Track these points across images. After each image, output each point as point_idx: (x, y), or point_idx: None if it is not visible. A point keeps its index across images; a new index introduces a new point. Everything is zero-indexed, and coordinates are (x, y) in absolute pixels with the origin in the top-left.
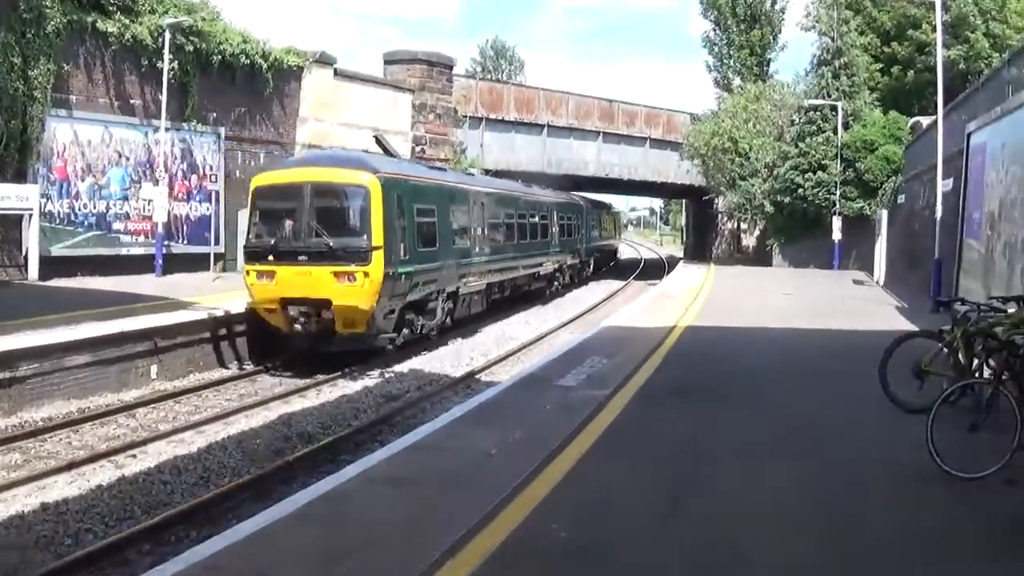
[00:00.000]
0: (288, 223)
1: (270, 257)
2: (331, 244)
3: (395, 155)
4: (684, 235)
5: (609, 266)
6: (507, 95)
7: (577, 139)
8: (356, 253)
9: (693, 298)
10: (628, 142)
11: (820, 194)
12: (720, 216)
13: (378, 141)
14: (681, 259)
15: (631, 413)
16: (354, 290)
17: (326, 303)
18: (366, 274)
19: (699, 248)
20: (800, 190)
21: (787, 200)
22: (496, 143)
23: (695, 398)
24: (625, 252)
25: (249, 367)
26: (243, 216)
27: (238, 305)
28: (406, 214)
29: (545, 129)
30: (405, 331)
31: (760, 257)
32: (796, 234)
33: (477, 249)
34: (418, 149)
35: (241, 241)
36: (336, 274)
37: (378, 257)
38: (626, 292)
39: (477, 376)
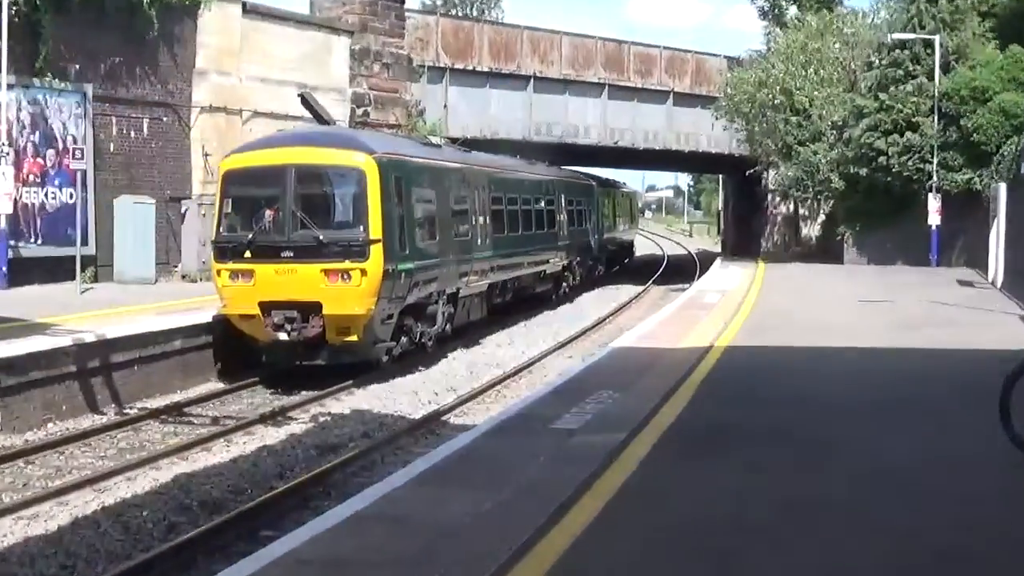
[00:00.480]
0: (267, 213)
1: (246, 254)
2: (321, 237)
3: (329, 121)
4: (721, 223)
5: (623, 264)
6: (479, 37)
7: (575, 95)
8: (351, 248)
9: (735, 308)
10: (644, 98)
11: (910, 163)
12: (771, 197)
13: (305, 102)
14: (718, 255)
15: (651, 469)
16: (349, 291)
17: (314, 307)
18: (363, 272)
19: (742, 240)
20: (882, 158)
21: (863, 172)
22: (465, 102)
23: (740, 447)
24: (642, 246)
25: (133, 411)
26: (120, 205)
27: (120, 326)
28: (405, 201)
29: (531, 82)
30: (403, 340)
31: (827, 251)
32: (876, 219)
33: (479, 242)
34: (359, 112)
35: (186, 241)
36: (327, 272)
37: (376, 252)
38: (644, 300)
39: (457, 410)
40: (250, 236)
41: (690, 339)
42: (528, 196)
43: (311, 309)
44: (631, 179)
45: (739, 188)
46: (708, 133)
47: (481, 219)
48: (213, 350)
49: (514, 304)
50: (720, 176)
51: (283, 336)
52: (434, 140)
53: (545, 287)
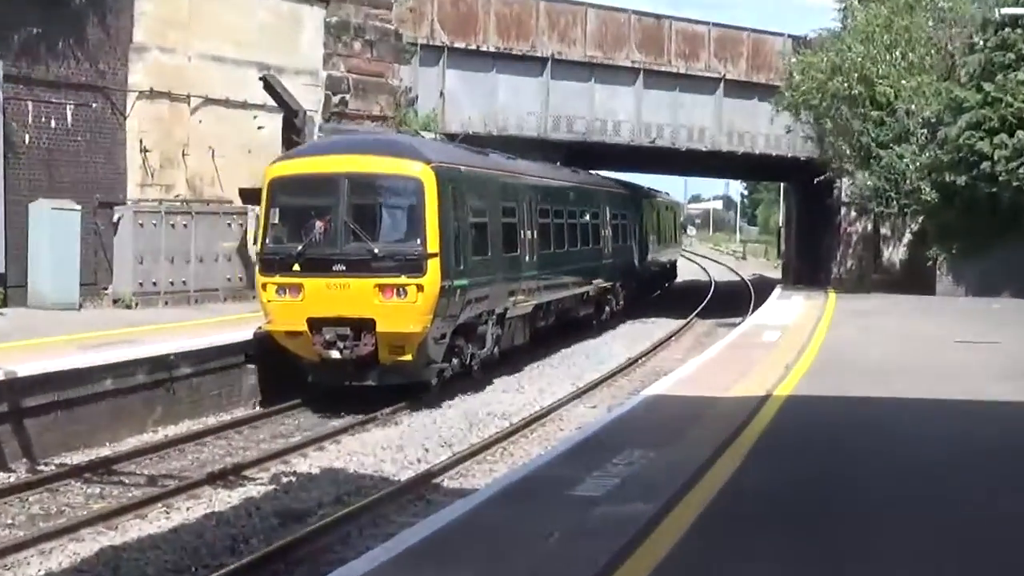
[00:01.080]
0: (318, 224)
1: (295, 267)
2: (376, 250)
3: (298, 111)
4: (781, 243)
5: (663, 289)
6: (484, 9)
7: (602, 82)
8: (407, 262)
9: (799, 349)
10: (688, 86)
11: (1021, 170)
12: (845, 211)
13: (269, 87)
14: (778, 283)
15: (692, 551)
16: (404, 308)
17: (367, 324)
18: (419, 288)
19: (808, 265)
20: (985, 164)
21: (962, 181)
22: (466, 90)
23: (809, 524)
24: (684, 270)
25: (49, 468)
26: (37, 211)
27: (34, 362)
28: (460, 213)
29: (548, 66)
30: (454, 361)
31: (914, 279)
32: (977, 239)
33: (527, 259)
34: (336, 100)
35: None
36: (382, 288)
37: (434, 267)
38: (686, 337)
39: (452, 471)
40: (299, 248)
41: (742, 386)
42: (574, 208)
43: (363, 326)
44: (671, 188)
45: (805, 200)
46: (767, 131)
47: (529, 233)
48: (258, 371)
49: (557, 328)
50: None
51: (335, 354)
52: (427, 136)
53: (587, 311)
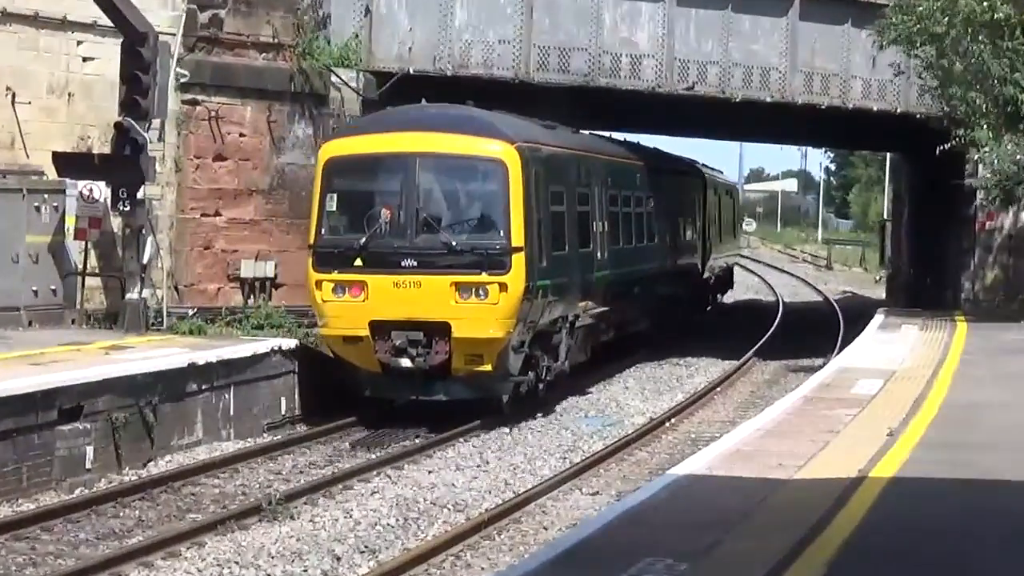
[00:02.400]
0: (384, 213)
1: (357, 262)
2: (452, 243)
3: (143, 31)
4: (886, 244)
5: (715, 302)
6: None
7: None
8: (489, 257)
9: (910, 406)
10: (745, 3)
11: None
12: (983, 198)
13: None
14: (880, 306)
15: None
16: (485, 310)
17: (441, 329)
18: (503, 287)
19: (927, 277)
20: None
21: None
22: (406, 6)
23: None
24: (739, 284)
25: None
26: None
27: None
28: (542, 200)
29: None
30: (530, 374)
31: None
32: None
33: (599, 256)
34: (204, 17)
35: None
36: (459, 286)
37: (518, 263)
38: (741, 385)
39: None
40: (362, 240)
41: (820, 464)
42: (640, 194)
43: (436, 331)
44: (717, 160)
45: (923, 180)
46: (865, 74)
47: (601, 225)
48: (298, 381)
49: (617, 345)
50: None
51: (405, 363)
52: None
53: (646, 324)
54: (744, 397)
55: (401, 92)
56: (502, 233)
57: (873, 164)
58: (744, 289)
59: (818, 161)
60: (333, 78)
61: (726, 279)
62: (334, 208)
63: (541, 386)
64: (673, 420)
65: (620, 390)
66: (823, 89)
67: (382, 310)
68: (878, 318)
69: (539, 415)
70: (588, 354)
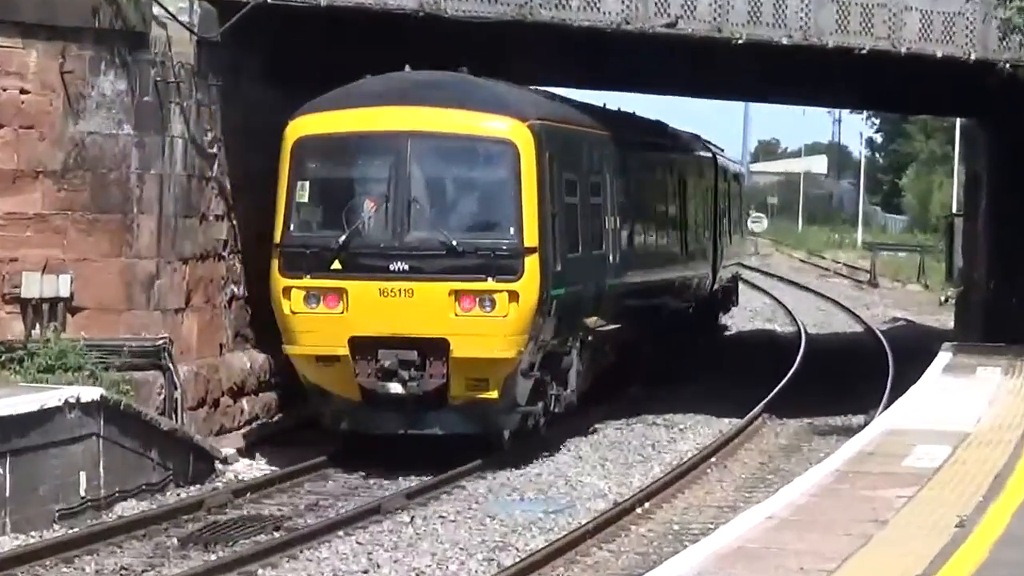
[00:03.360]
0: (367, 205)
1: (335, 265)
2: (452, 242)
3: None
4: (953, 250)
5: (711, 330)
6: None
7: None
8: (497, 259)
9: (991, 484)
10: None
11: None
12: None
13: None
14: (945, 341)
15: None
16: (491, 324)
17: (437, 347)
18: (514, 296)
19: (1011, 297)
20: None
21: None
22: None
23: None
24: (743, 305)
25: None
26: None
27: None
28: (556, 190)
29: None
30: (539, 404)
31: None
32: None
33: (611, 259)
34: None
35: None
36: (460, 295)
37: (532, 267)
38: (746, 454)
39: None
40: (341, 239)
41: (862, 566)
42: (653, 182)
43: (431, 350)
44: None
45: (1008, 157)
46: (924, 2)
47: (613, 221)
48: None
49: (616, 375)
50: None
51: (395, 388)
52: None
53: (648, 348)
54: (751, 471)
55: (255, 30)
56: (513, 230)
57: (937, 135)
58: (750, 315)
59: (857, 131)
60: (155, 9)
61: (730, 294)
62: (305, 199)
63: (542, 421)
64: (647, 504)
65: (571, 460)
66: (864, 26)
67: (365, 324)
68: (943, 357)
69: (453, 491)
70: (589, 381)
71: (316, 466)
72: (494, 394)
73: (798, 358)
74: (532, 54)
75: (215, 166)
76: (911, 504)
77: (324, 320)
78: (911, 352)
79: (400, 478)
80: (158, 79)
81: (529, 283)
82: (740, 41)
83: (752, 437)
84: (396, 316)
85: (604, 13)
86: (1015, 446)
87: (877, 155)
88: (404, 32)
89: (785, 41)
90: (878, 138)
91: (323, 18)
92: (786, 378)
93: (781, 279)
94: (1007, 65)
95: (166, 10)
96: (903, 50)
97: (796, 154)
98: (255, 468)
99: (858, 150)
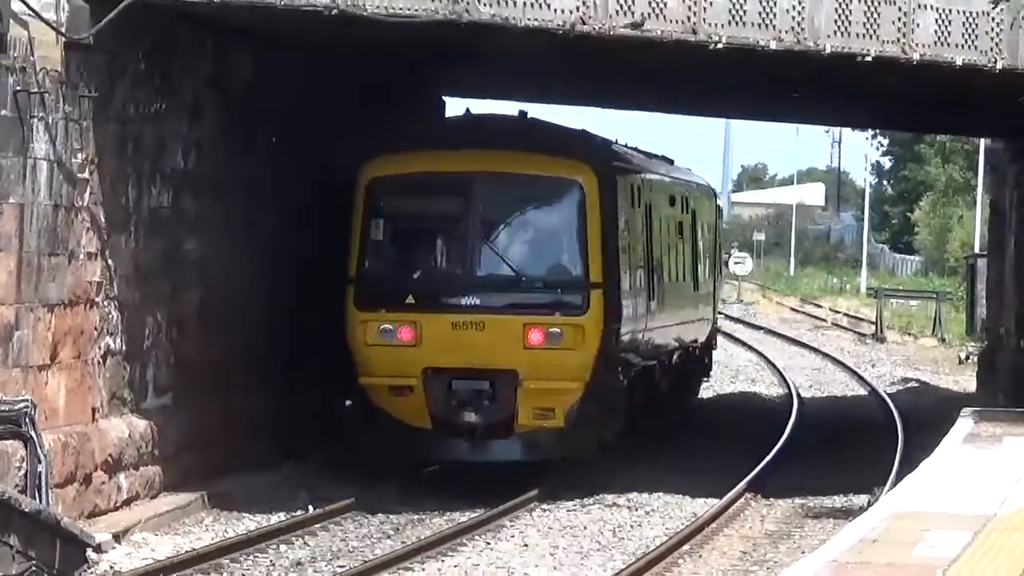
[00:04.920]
0: (440, 243)
1: (408, 299)
2: (522, 279)
3: None
4: (975, 298)
5: (687, 393)
6: None
7: None
8: (564, 294)
9: None
10: None
11: None
12: None
13: None
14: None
15: None
16: (558, 357)
17: (507, 378)
18: (579, 330)
19: None
20: None
21: None
22: None
23: None
24: (723, 362)
25: None
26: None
27: None
28: (615, 229)
29: None
30: (597, 433)
31: None
32: None
33: (652, 295)
34: None
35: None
36: (529, 327)
37: (597, 301)
38: (726, 542)
39: None
40: (416, 274)
41: None
42: (679, 221)
43: (501, 381)
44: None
45: None
46: (941, 1)
47: (656, 258)
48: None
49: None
50: (980, 148)
51: (470, 417)
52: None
53: (673, 383)
54: (731, 562)
55: (135, 31)
56: (579, 267)
57: (955, 158)
58: (731, 375)
59: (861, 154)
60: (14, 4)
61: (702, 355)
62: (380, 236)
63: (600, 444)
64: None
65: (514, 549)
66: (868, 28)
67: (438, 356)
68: (963, 425)
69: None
70: (622, 420)
71: (208, 554)
72: (558, 422)
73: (788, 426)
74: (464, 61)
75: (87, 194)
76: None
77: (398, 352)
78: (924, 420)
79: (310, 568)
80: (17, 89)
81: (594, 317)
82: (719, 45)
83: (733, 521)
84: (468, 348)
85: (555, 11)
86: None
87: (884, 183)
88: (297, 34)
89: (773, 45)
90: (886, 163)
91: (213, 16)
92: (774, 450)
93: (769, 331)
94: None
95: (27, 5)
96: (915, 56)
97: (787, 182)
98: (135, 557)
99: (862, 177)
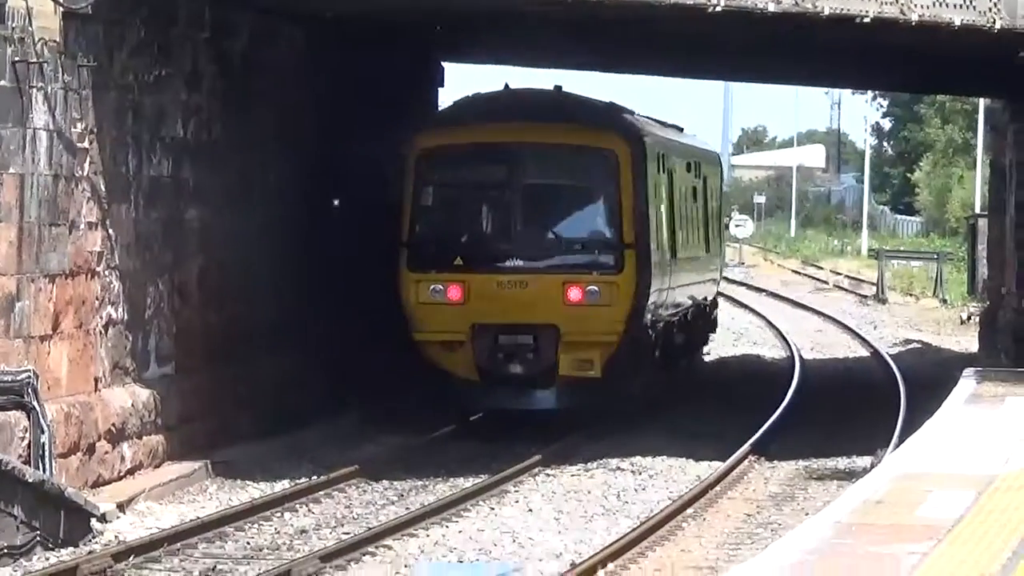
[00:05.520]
0: (485, 209)
1: (457, 261)
2: (562, 241)
3: None
4: (976, 258)
5: (692, 357)
6: None
7: None
8: (601, 254)
9: (1016, 538)
10: None
11: None
12: None
13: None
14: (968, 366)
15: None
16: (595, 312)
17: (549, 332)
18: (615, 286)
19: None
20: None
21: None
22: None
23: None
24: (725, 324)
25: None
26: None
27: None
28: (645, 195)
29: None
30: (633, 382)
31: None
32: None
33: (669, 256)
34: None
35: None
36: (568, 285)
37: (631, 260)
38: (729, 504)
39: None
40: (463, 238)
41: None
42: (693, 186)
43: (543, 335)
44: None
45: None
46: None
47: (677, 221)
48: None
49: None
50: (979, 108)
51: (515, 369)
52: None
53: (683, 339)
54: (735, 524)
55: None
56: (614, 230)
57: (956, 119)
58: (733, 337)
59: (861, 116)
60: None
61: (704, 323)
62: (430, 202)
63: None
64: (611, 566)
65: (519, 514)
66: None
67: (485, 313)
68: (966, 385)
69: (372, 556)
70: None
71: (213, 523)
72: (595, 372)
73: (791, 389)
74: (471, 30)
75: (86, 164)
76: (926, 562)
77: (447, 310)
78: (927, 380)
79: (314, 536)
80: (16, 59)
81: (628, 276)
82: (718, 8)
83: (736, 484)
84: (512, 306)
85: None
86: None
87: (885, 145)
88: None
89: (772, 8)
90: (886, 124)
91: None
92: (776, 413)
93: (770, 294)
94: None
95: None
96: (914, 17)
97: (787, 144)
98: (139, 526)
99: (862, 139)
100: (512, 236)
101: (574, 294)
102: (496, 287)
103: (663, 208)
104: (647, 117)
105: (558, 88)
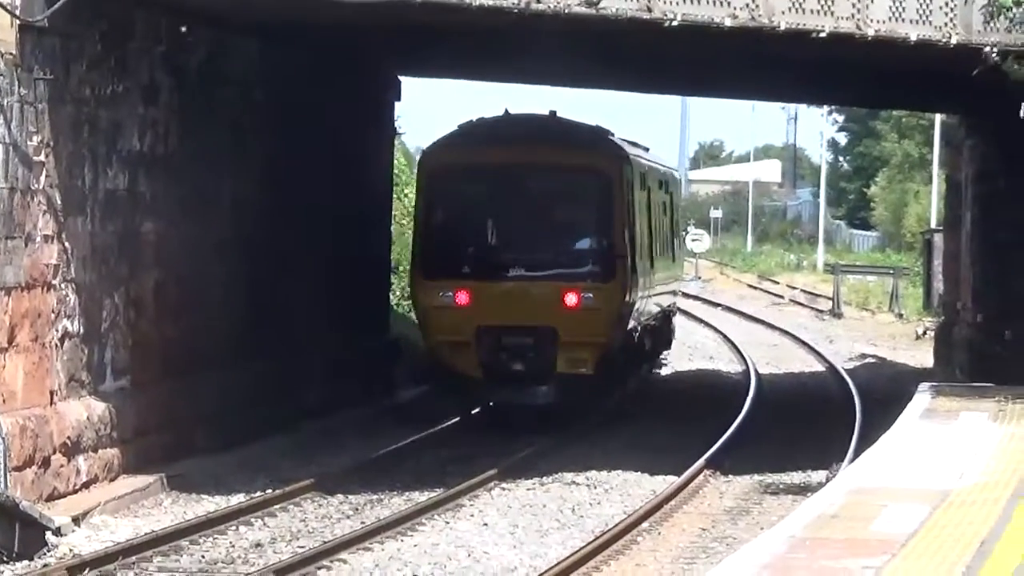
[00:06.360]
0: (491, 223)
1: (465, 270)
2: (559, 252)
3: None
4: (932, 273)
5: (646, 373)
6: None
7: None
8: (594, 264)
9: (969, 552)
10: None
11: None
12: None
13: None
14: (923, 381)
15: None
16: (589, 315)
17: (547, 333)
18: (607, 292)
19: (1003, 329)
20: None
21: None
22: None
23: None
24: (682, 339)
25: None
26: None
27: None
28: (632, 211)
29: None
30: (621, 380)
31: None
32: None
33: (651, 267)
34: None
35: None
36: (564, 291)
37: (621, 270)
38: (684, 519)
39: None
40: (471, 249)
41: None
42: (663, 201)
43: (542, 336)
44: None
45: (998, 161)
46: None
47: (653, 234)
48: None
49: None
50: (935, 124)
51: (517, 366)
52: None
53: (651, 344)
54: (690, 539)
55: (91, 14)
56: (606, 242)
57: (912, 135)
58: (688, 352)
59: (817, 131)
60: None
61: (665, 330)
62: (440, 218)
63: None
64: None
65: (473, 527)
66: (823, 4)
67: (489, 316)
68: (921, 400)
69: (327, 570)
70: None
71: (168, 536)
72: (589, 369)
73: (746, 403)
74: (429, 44)
75: (42, 177)
76: None
77: (456, 314)
78: (882, 395)
79: (270, 549)
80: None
81: (618, 283)
82: (674, 23)
83: (692, 498)
84: (514, 310)
85: None
86: (1004, 506)
87: (841, 160)
88: (271, 17)
89: (728, 23)
90: (842, 139)
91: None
92: (732, 427)
93: (726, 308)
94: (994, 51)
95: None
96: (870, 33)
97: (744, 159)
98: (95, 540)
99: (818, 154)
100: (515, 247)
101: (570, 299)
102: (500, 293)
103: (644, 222)
104: (622, 139)
105: (553, 113)
